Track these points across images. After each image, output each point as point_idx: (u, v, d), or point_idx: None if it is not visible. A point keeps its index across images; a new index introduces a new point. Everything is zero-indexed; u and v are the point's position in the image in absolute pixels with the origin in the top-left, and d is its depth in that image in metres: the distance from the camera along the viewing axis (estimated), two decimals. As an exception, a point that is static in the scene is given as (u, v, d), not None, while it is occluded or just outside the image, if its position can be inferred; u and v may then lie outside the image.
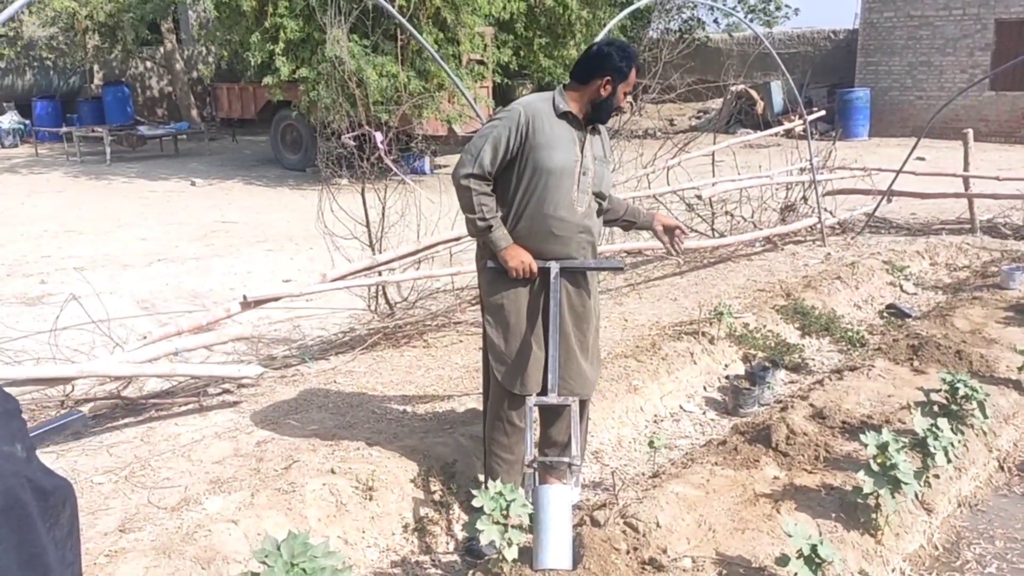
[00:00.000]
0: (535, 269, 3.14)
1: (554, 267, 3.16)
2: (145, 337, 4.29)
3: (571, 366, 3.27)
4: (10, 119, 18.46)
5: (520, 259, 3.13)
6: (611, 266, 3.45)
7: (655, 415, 4.61)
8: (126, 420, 4.12)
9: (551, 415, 3.40)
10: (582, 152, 3.17)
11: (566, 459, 3.07)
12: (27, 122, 18.64)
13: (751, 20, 19.57)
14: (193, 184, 13.12)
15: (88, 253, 8.30)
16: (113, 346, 4.56)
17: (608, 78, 3.14)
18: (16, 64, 18.86)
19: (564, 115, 3.16)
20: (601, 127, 3.32)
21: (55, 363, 4.24)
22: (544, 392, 3.19)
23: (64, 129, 16.87)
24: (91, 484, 3.43)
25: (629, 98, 3.22)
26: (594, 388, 3.46)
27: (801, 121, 8.34)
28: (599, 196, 3.26)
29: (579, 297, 3.29)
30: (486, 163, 3.11)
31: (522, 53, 15.30)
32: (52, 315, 4.88)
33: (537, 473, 2.98)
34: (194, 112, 19.76)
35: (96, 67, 20.64)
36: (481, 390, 3.69)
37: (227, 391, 4.46)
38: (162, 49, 19.75)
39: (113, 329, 4.85)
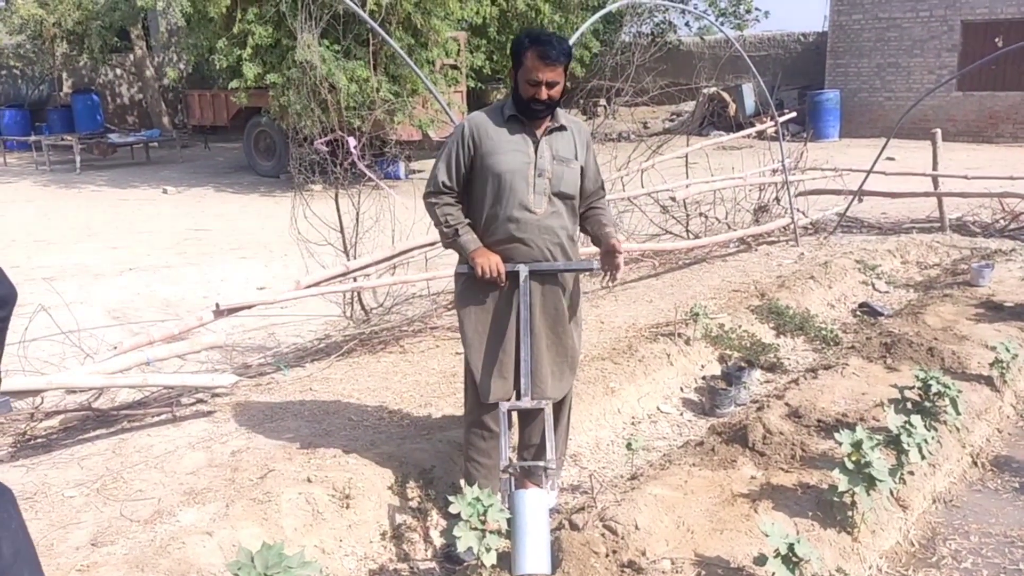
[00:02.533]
0: (503, 270, 3.12)
1: (523, 270, 3.15)
2: (116, 347, 4.22)
3: (541, 370, 3.26)
4: (-23, 129, 18.20)
5: (488, 259, 3.12)
6: (582, 267, 3.36)
7: (632, 417, 4.61)
8: (97, 432, 4.06)
9: (528, 418, 3.40)
10: (536, 153, 3.16)
11: (541, 463, 3.07)
12: (-6, 131, 18.39)
13: (722, 23, 19.73)
14: (165, 192, 12.99)
15: (58, 263, 8.19)
16: (84, 357, 4.49)
17: (511, 71, 3.17)
18: (-17, 73, 18.63)
19: (510, 119, 3.18)
20: (569, 126, 3.25)
21: (24, 375, 4.17)
22: (519, 397, 3.19)
23: (33, 138, 16.67)
24: (62, 498, 3.37)
25: (551, 92, 3.05)
26: (566, 391, 3.43)
27: (772, 123, 8.41)
28: (562, 196, 3.20)
29: (553, 298, 3.27)
30: (442, 178, 3.18)
31: (495, 57, 15.33)
32: (21, 326, 4.79)
33: (513, 478, 2.97)
34: (165, 119, 19.59)
35: (65, 75, 20.40)
36: (462, 395, 3.67)
37: (201, 401, 4.40)
38: (132, 56, 19.55)
39: (84, 340, 4.78)
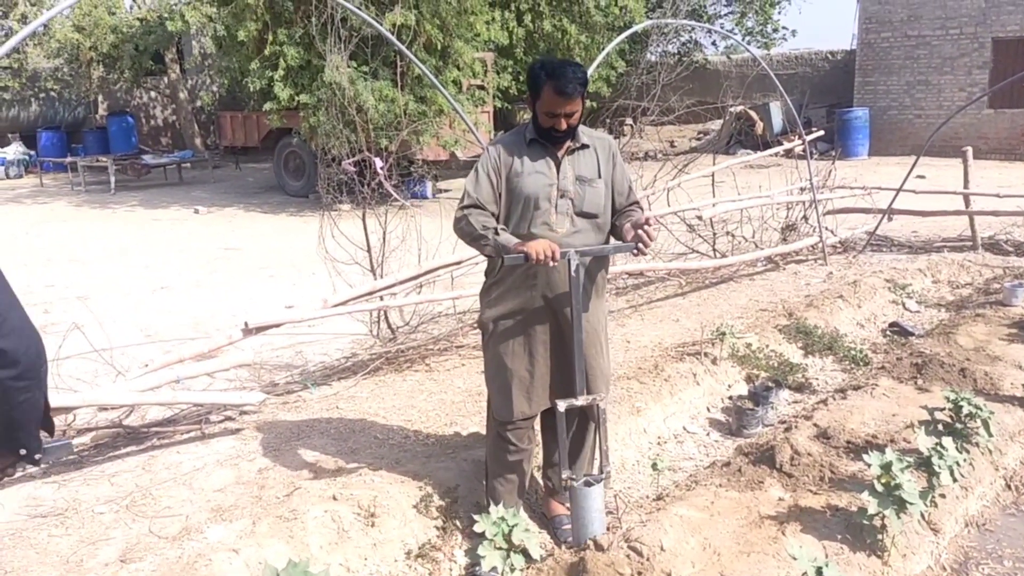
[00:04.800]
0: (557, 250, 3.01)
1: (573, 256, 3.09)
2: (147, 365, 4.28)
3: (593, 366, 3.31)
4: (15, 150, 18.63)
5: (538, 243, 3.02)
6: (627, 247, 3.28)
7: (658, 437, 4.59)
8: (128, 449, 4.11)
9: (552, 435, 3.43)
10: (558, 175, 3.17)
11: (602, 476, 3.30)
12: (32, 153, 18.79)
13: (749, 42, 19.71)
14: (197, 212, 13.18)
15: (91, 282, 8.33)
16: (115, 375, 4.56)
17: (529, 99, 3.19)
18: (21, 96, 19.07)
19: (532, 142, 3.19)
20: (592, 143, 3.25)
21: (57, 392, 4.23)
22: (571, 395, 3.23)
23: (69, 159, 17.00)
24: (92, 514, 3.42)
25: (570, 121, 3.08)
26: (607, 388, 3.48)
27: (801, 141, 8.37)
28: (586, 216, 3.20)
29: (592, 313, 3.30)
30: (473, 195, 3.16)
31: (522, 78, 15.42)
32: (55, 344, 4.87)
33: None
34: (198, 140, 19.91)
35: (101, 97, 20.85)
36: (485, 413, 3.68)
37: (229, 418, 4.45)
38: (166, 79, 19.94)
39: (116, 358, 4.85)
